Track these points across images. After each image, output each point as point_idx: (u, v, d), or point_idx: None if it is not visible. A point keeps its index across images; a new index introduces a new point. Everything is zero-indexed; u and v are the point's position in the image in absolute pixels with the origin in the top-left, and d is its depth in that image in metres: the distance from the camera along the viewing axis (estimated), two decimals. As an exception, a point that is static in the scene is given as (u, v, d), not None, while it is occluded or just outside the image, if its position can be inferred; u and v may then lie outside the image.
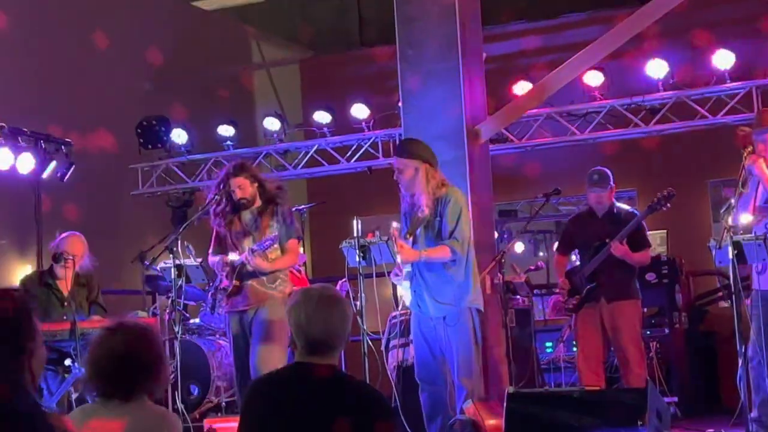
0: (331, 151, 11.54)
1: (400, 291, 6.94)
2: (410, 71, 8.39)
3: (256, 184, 7.26)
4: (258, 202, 7.26)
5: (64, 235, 8.19)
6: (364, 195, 11.84)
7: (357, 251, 6.81)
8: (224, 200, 7.27)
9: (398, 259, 6.69)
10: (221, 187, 7.28)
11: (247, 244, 7.17)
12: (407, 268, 6.70)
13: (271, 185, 7.38)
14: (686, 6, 8.76)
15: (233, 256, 7.20)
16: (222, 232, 7.30)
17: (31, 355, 3.00)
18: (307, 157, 11.61)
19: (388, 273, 6.85)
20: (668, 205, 8.11)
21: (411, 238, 6.65)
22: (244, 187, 7.19)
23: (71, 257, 8.01)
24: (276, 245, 7.14)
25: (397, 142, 10.25)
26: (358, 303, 7.13)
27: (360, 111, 11.25)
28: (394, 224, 6.76)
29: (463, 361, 6.60)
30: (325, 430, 3.78)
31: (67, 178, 9.96)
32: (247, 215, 7.24)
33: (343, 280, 8.40)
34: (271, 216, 7.22)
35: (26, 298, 3.04)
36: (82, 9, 11.39)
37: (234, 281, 7.11)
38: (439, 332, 6.67)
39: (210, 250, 7.42)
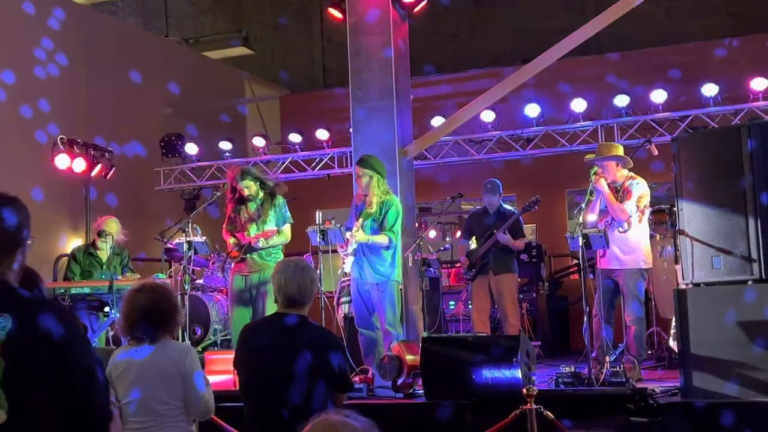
0: (301, 162, 11.51)
1: (344, 264, 6.93)
2: (359, 107, 8.38)
3: (258, 183, 7.20)
4: (261, 195, 7.20)
5: (104, 218, 8.12)
6: (324, 194, 11.83)
7: (318, 234, 6.82)
8: (235, 194, 7.21)
9: (348, 236, 6.70)
10: (234, 185, 7.21)
11: (252, 228, 7.07)
12: (353, 246, 6.72)
13: (271, 182, 7.32)
14: (554, 66, 8.88)
15: (246, 239, 7.10)
16: (233, 215, 7.24)
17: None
18: (283, 166, 11.57)
19: (340, 250, 6.88)
20: (536, 207, 8.20)
21: (360, 227, 6.69)
22: (249, 187, 7.12)
23: (109, 234, 7.96)
24: (275, 227, 7.12)
25: (349, 157, 10.26)
26: (318, 271, 7.13)
27: (322, 134, 11.23)
28: (348, 233, 6.77)
29: (390, 315, 6.66)
30: (295, 358, 3.82)
31: (109, 176, 9.85)
32: (252, 206, 7.16)
33: (308, 254, 8.40)
34: (270, 207, 7.16)
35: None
36: (122, 54, 11.30)
37: (242, 255, 7.07)
38: (373, 294, 6.71)
39: (224, 226, 7.35)
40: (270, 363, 3.86)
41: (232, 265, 7.28)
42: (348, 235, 6.70)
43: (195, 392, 3.79)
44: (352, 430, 1.79)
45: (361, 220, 6.69)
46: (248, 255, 7.03)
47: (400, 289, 6.90)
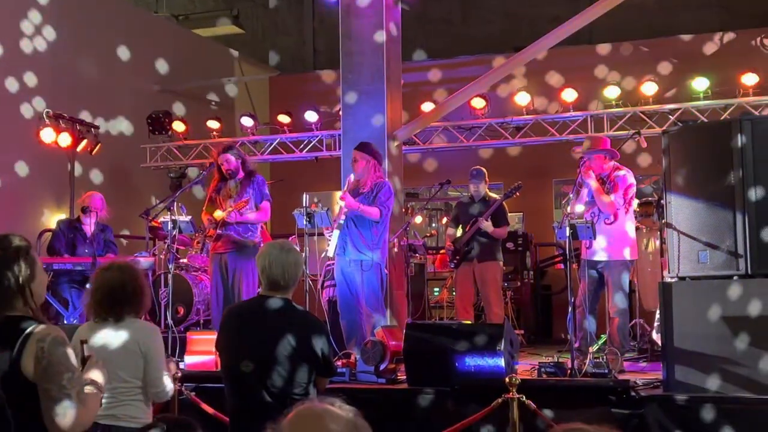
0: (289, 144, 11.43)
1: (328, 242, 6.88)
2: (349, 90, 8.33)
3: (240, 160, 7.18)
4: (241, 174, 7.18)
5: (89, 194, 8.05)
6: (311, 176, 11.77)
7: (305, 217, 6.78)
8: (217, 173, 7.19)
9: (342, 204, 6.68)
10: (215, 162, 7.20)
11: (230, 204, 7.10)
12: (341, 220, 6.70)
13: (252, 164, 7.33)
14: (545, 55, 8.86)
15: (219, 213, 7.12)
16: (213, 195, 7.22)
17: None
18: (271, 147, 11.49)
19: (326, 232, 6.84)
20: (518, 192, 8.17)
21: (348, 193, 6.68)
22: (229, 161, 7.10)
23: (94, 211, 7.89)
24: (251, 206, 7.09)
25: (338, 140, 10.21)
26: (303, 254, 7.10)
27: (311, 116, 11.14)
28: (351, 176, 6.76)
29: (372, 297, 6.63)
30: (279, 342, 3.79)
31: (94, 152, 9.76)
32: (232, 183, 7.16)
33: (293, 236, 8.36)
34: (249, 184, 7.15)
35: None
36: (111, 29, 11.16)
37: (218, 230, 7.04)
38: (356, 276, 6.67)
39: (204, 207, 7.33)
40: (253, 346, 3.83)
41: (210, 244, 7.28)
42: (338, 198, 6.69)
43: (155, 372, 3.75)
44: (336, 419, 1.75)
45: (350, 192, 6.68)
46: (224, 232, 7.00)
47: (385, 273, 6.85)
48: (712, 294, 5.22)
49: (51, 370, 2.65)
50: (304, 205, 6.80)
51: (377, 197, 6.65)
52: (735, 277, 5.19)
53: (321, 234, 6.83)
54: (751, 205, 5.12)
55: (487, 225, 7.95)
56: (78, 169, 9.65)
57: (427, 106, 10.35)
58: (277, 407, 3.64)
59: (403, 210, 9.40)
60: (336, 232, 6.73)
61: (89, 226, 7.95)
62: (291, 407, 1.84)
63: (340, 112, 8.67)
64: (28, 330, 2.70)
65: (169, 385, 3.84)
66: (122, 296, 3.75)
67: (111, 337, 3.73)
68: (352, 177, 6.87)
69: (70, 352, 2.76)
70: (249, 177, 7.18)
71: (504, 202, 8.20)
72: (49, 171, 9.92)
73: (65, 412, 2.63)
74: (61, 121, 9.52)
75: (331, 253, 6.84)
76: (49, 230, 8.78)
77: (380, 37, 8.17)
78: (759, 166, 5.15)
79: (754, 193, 5.11)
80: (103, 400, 3.67)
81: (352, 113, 8.31)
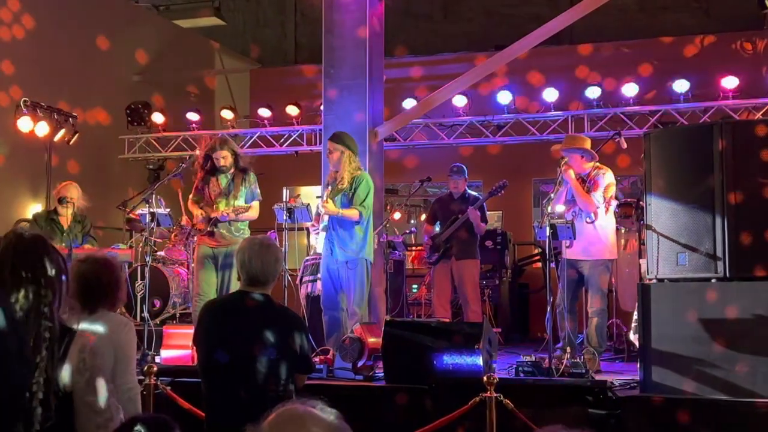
0: (269, 138, 11.38)
1: (313, 240, 6.86)
2: (330, 85, 8.28)
3: (234, 156, 7.10)
4: (233, 170, 7.10)
5: (65, 184, 7.96)
6: (291, 171, 11.74)
7: (285, 212, 6.73)
8: (209, 164, 7.08)
9: (321, 211, 6.63)
10: (209, 154, 7.08)
11: (222, 203, 6.97)
12: (324, 223, 6.65)
13: (244, 160, 7.23)
14: (526, 54, 8.85)
15: (215, 213, 7.00)
16: (201, 186, 7.13)
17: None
18: (251, 140, 11.44)
19: (306, 229, 6.80)
20: (503, 191, 8.18)
21: (328, 199, 6.60)
22: (225, 158, 7.02)
23: (71, 201, 7.80)
24: (245, 203, 7.03)
25: (318, 135, 10.16)
26: (283, 249, 7.05)
27: (292, 110, 11.10)
28: (320, 201, 6.67)
29: (358, 295, 6.59)
30: (257, 338, 3.75)
31: (72, 142, 9.65)
32: (224, 179, 7.06)
33: (273, 231, 8.32)
34: (242, 183, 7.06)
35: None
36: (90, 18, 11.06)
37: (209, 227, 6.96)
38: (342, 273, 6.63)
39: (191, 196, 7.23)
40: (231, 342, 3.79)
41: (196, 238, 7.19)
42: (319, 206, 6.61)
43: (125, 363, 3.67)
44: (318, 422, 1.72)
45: (330, 194, 6.60)
46: (216, 228, 6.93)
47: (370, 270, 6.80)
48: (690, 296, 5.24)
49: None
50: (284, 199, 6.76)
51: (355, 195, 6.59)
52: (713, 280, 5.20)
53: (301, 229, 6.78)
54: (730, 209, 5.14)
55: (476, 215, 7.93)
56: (55, 159, 9.53)
57: (408, 103, 10.33)
58: (255, 404, 3.61)
59: (383, 207, 9.37)
60: (322, 234, 6.68)
61: (66, 217, 7.85)
62: (269, 404, 1.81)
63: (322, 107, 8.63)
64: None
65: (137, 388, 3.73)
66: (96, 289, 3.68)
67: (83, 328, 3.67)
68: (330, 175, 6.76)
69: None
70: (242, 174, 7.09)
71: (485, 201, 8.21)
72: (26, 160, 9.81)
73: None
74: (38, 110, 9.40)
75: (320, 249, 6.79)
76: (26, 220, 8.67)
77: (363, 32, 8.12)
78: (739, 170, 5.16)
79: (734, 197, 5.13)
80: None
81: (334, 108, 8.25)
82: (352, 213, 6.56)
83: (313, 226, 6.70)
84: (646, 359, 5.33)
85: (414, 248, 11.18)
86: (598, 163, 6.90)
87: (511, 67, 9.87)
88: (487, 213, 8.45)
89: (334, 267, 6.66)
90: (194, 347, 4.07)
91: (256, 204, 7.10)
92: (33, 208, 9.66)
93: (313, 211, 6.73)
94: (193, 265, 7.54)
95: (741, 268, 5.14)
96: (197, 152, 7.35)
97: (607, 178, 6.77)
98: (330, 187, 6.73)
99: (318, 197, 6.76)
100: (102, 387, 2.54)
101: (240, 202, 6.97)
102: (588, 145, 6.93)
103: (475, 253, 8.15)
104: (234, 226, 6.99)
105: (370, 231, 6.71)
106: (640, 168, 5.85)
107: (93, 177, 10.08)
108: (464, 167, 8.29)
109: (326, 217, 6.63)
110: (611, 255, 6.83)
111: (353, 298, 6.54)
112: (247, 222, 7.12)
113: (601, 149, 7.17)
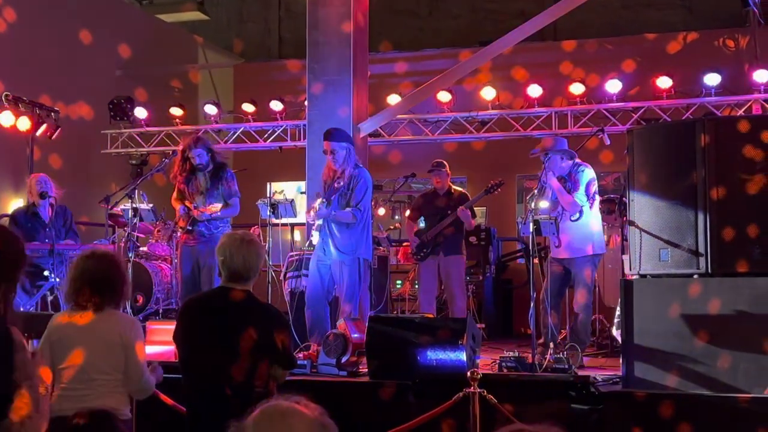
0: (253, 133, 11.33)
1: (314, 236, 6.76)
2: (315, 80, 8.27)
3: (210, 154, 7.08)
4: (210, 167, 7.07)
5: (35, 176, 7.93)
6: (275, 166, 11.70)
7: (268, 207, 6.70)
8: (186, 163, 7.07)
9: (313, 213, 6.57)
10: (184, 153, 7.07)
11: (200, 199, 6.98)
12: (319, 222, 6.60)
13: (221, 156, 7.21)
14: (511, 50, 8.86)
15: (193, 212, 6.98)
16: (182, 186, 7.11)
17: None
18: (235, 135, 11.39)
19: (307, 216, 6.71)
20: (499, 189, 8.20)
21: (319, 205, 6.54)
22: (200, 156, 7.00)
23: (52, 195, 7.76)
24: (220, 204, 7.00)
25: (302, 130, 10.12)
26: (266, 245, 7.03)
27: (276, 105, 11.06)
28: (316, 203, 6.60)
29: (349, 291, 6.56)
30: (239, 335, 3.73)
31: (54, 136, 9.59)
32: (201, 177, 7.05)
33: (256, 227, 8.28)
34: (219, 180, 7.04)
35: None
36: (73, 13, 10.97)
37: (188, 226, 6.95)
38: (335, 271, 6.57)
39: (174, 195, 7.22)
40: (211, 338, 3.77)
41: (179, 234, 7.18)
42: (315, 205, 6.55)
43: (136, 365, 3.69)
44: (302, 418, 1.71)
45: (319, 201, 6.53)
46: (194, 226, 6.92)
47: (367, 268, 6.74)
48: (673, 292, 5.25)
49: None
50: (268, 195, 6.73)
51: (353, 194, 6.52)
52: (695, 276, 5.23)
53: (285, 225, 6.75)
54: (712, 205, 5.16)
55: (467, 214, 7.93)
56: (37, 154, 9.47)
57: (393, 99, 10.32)
58: (236, 400, 3.59)
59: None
60: (316, 233, 6.63)
61: (46, 211, 7.79)
62: (251, 400, 1.80)
63: (306, 102, 8.60)
64: None
65: (150, 381, 3.77)
66: (103, 285, 3.65)
67: (90, 326, 3.64)
68: (326, 174, 6.68)
69: None
70: (218, 171, 7.07)
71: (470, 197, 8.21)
72: (8, 155, 9.75)
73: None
74: (20, 105, 9.35)
75: (316, 241, 6.73)
76: (6, 215, 8.60)
77: (347, 27, 8.10)
78: (721, 167, 5.18)
79: (716, 193, 5.15)
80: (82, 392, 3.60)
81: (318, 104, 8.25)
82: (345, 216, 6.50)
83: (308, 213, 6.62)
84: (629, 355, 5.35)
85: (398, 244, 11.16)
86: (577, 160, 6.91)
87: (495, 63, 9.88)
88: (475, 207, 8.45)
89: (325, 264, 6.60)
90: (175, 343, 4.05)
91: (234, 201, 7.08)
92: (15, 203, 9.59)
93: (299, 207, 6.69)
94: (176, 261, 7.52)
95: (723, 264, 5.16)
96: (180, 148, 7.32)
97: (587, 174, 6.79)
98: (326, 186, 6.65)
99: (302, 192, 6.71)
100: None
101: (216, 200, 6.96)
102: (565, 144, 6.94)
103: (461, 249, 8.15)
104: (212, 224, 6.98)
105: (368, 230, 6.66)
106: (623, 164, 5.86)
107: (75, 172, 10.04)
108: (444, 162, 8.27)
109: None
110: (597, 250, 6.83)
111: (346, 294, 6.50)
112: (229, 219, 7.10)
113: (585, 145, 7.18)
